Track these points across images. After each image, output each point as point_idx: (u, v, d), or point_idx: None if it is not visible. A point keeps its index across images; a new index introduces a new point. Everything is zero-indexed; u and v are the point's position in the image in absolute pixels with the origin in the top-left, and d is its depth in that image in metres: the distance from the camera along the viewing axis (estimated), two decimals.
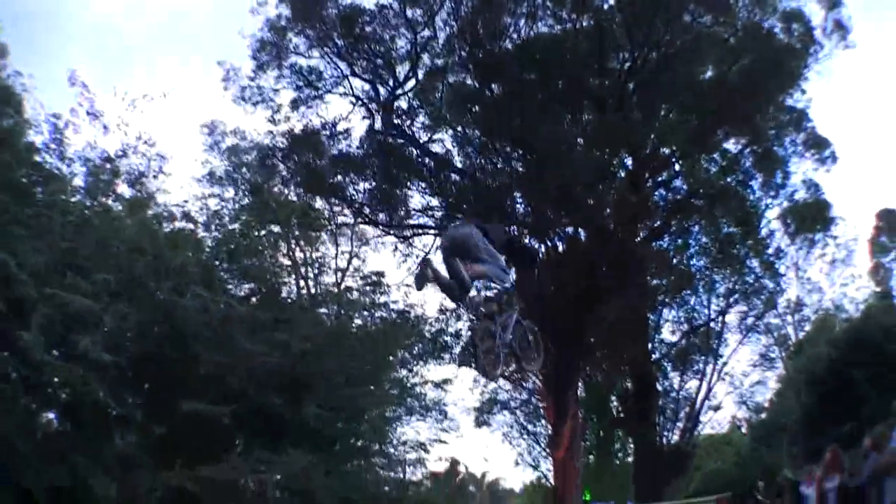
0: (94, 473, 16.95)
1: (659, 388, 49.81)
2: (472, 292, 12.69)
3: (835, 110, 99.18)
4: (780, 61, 38.57)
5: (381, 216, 43.92)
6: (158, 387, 21.48)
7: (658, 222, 42.18)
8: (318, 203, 43.36)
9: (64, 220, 20.17)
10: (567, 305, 39.34)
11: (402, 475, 41.45)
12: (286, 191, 42.17)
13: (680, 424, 50.95)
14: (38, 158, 22.34)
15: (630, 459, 58.29)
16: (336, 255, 50.26)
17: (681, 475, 49.90)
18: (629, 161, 41.81)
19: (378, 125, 41.45)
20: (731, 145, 41.90)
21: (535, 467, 61.06)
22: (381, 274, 45.65)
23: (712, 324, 49.76)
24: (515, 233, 39.92)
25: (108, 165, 25.38)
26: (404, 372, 44.58)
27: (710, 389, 50.38)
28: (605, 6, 39.94)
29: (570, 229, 42.41)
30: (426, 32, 40.30)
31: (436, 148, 42.49)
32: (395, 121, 41.56)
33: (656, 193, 42.40)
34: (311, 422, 22.61)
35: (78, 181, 24.76)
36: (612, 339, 43.83)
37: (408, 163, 42.13)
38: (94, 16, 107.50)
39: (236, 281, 30.06)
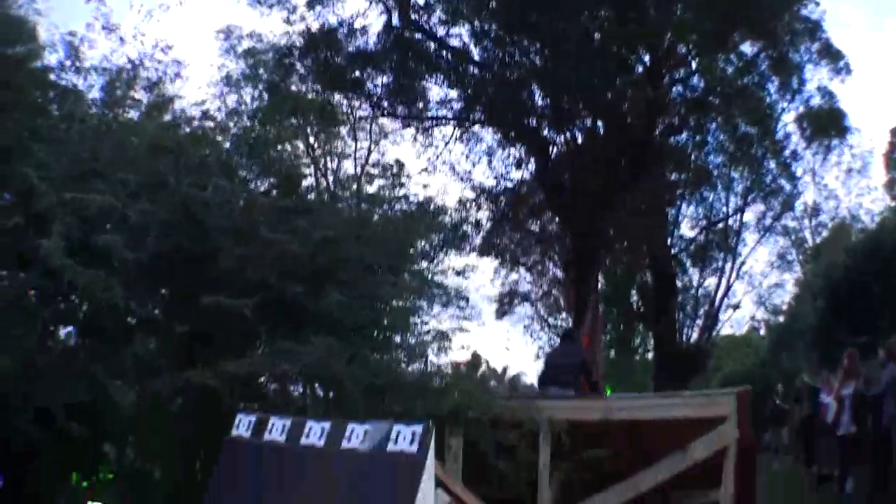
0: (112, 382, 17.12)
1: (678, 284, 50.12)
2: None
3: (849, 26, 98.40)
4: None
5: (400, 109, 44.00)
6: (179, 284, 21.60)
7: (675, 119, 42.12)
8: (337, 98, 43.43)
9: (83, 127, 20.21)
10: (586, 197, 39.50)
11: (424, 364, 41.66)
12: (304, 88, 42.19)
13: (699, 322, 51.33)
14: (52, 77, 22.39)
15: (650, 356, 58.76)
16: (355, 149, 50.45)
17: (700, 374, 50.30)
18: (646, 57, 41.64)
19: (395, 20, 41.34)
20: (746, 48, 41.65)
21: None
22: (401, 164, 45.85)
23: (730, 221, 49.98)
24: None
25: (125, 74, 25.43)
26: (425, 264, 44.82)
27: (728, 287, 50.78)
28: None
29: (588, 122, 42.44)
30: None
31: (453, 42, 42.38)
32: (413, 16, 41.41)
33: (673, 90, 42.23)
34: (333, 311, 22.74)
35: (94, 94, 24.84)
36: (632, 231, 44.04)
37: (426, 56, 42.06)
38: None
39: (256, 174, 30.18)
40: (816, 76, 43.53)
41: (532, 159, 43.71)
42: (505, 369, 64.04)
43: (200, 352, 18.57)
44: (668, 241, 49.32)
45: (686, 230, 51.87)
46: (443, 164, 46.82)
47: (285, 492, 11.18)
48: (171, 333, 18.50)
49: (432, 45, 42.19)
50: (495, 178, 46.59)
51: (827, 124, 45.10)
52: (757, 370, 52.27)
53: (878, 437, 21.62)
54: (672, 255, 49.82)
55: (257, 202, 21.73)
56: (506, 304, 56.78)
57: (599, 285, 46.14)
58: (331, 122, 44.30)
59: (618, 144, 39.22)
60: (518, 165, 45.23)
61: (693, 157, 44.83)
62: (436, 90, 43.22)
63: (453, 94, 43.38)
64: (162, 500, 17.76)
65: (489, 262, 51.66)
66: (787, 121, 45.48)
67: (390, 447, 10.40)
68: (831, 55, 42.62)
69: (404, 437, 10.36)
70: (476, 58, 42.22)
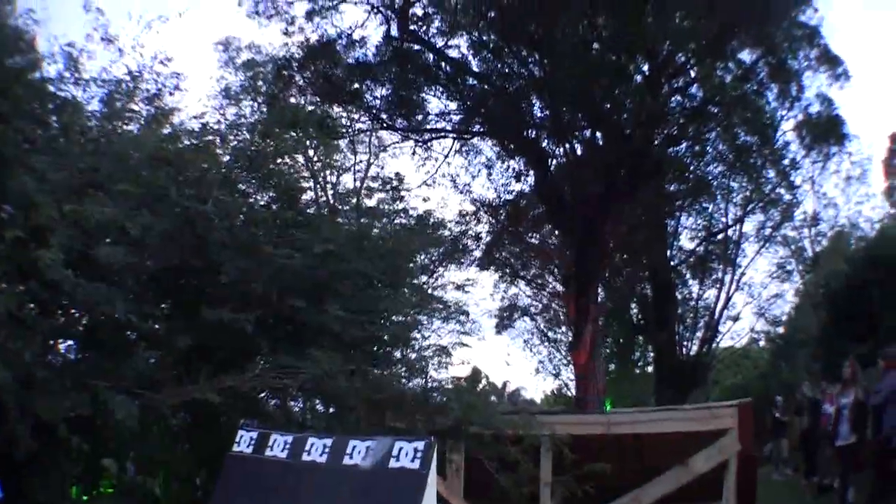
0: (113, 396, 17.09)
1: (678, 296, 50.15)
2: None
3: (847, 31, 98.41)
4: None
5: (399, 121, 44.07)
6: (181, 298, 21.59)
7: (675, 129, 42.15)
8: (336, 111, 43.47)
9: (83, 138, 20.19)
10: (586, 209, 39.53)
11: (424, 380, 41.57)
12: (303, 101, 42.25)
13: (699, 335, 51.35)
14: (52, 88, 22.35)
15: (650, 369, 58.80)
16: (354, 162, 50.55)
17: (700, 387, 50.31)
18: (645, 67, 41.66)
19: (394, 31, 41.41)
20: (745, 56, 41.80)
21: (556, 375, 61.60)
22: (400, 177, 45.90)
23: (730, 231, 50.01)
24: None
25: (124, 85, 25.40)
26: (425, 278, 44.90)
27: (728, 299, 50.80)
28: None
29: (587, 133, 42.49)
30: None
31: (452, 53, 42.47)
32: (411, 27, 41.47)
33: (673, 99, 42.28)
34: (333, 325, 22.75)
35: (94, 105, 24.80)
36: (631, 243, 44.09)
37: (425, 68, 42.17)
38: None
39: (256, 187, 30.16)
40: (815, 83, 43.72)
41: (531, 171, 43.79)
42: (505, 384, 63.94)
43: (201, 366, 18.56)
44: (668, 252, 49.37)
45: (685, 241, 52.02)
46: (442, 177, 46.95)
47: None
48: (171, 348, 18.47)
49: (431, 56, 42.30)
50: (495, 190, 46.72)
51: (826, 132, 45.20)
52: (757, 382, 52.37)
53: (879, 446, 21.60)
54: (672, 267, 49.86)
55: (258, 216, 21.73)
56: (506, 318, 56.88)
57: (599, 298, 46.13)
58: (330, 135, 44.34)
59: (617, 155, 39.23)
60: (517, 178, 45.44)
61: (692, 167, 44.81)
62: (435, 102, 43.34)
63: (452, 106, 43.50)
64: None
65: (489, 276, 51.78)
66: (787, 129, 45.55)
67: (392, 463, 10.35)
68: (830, 61, 42.77)
69: (406, 454, 10.31)
70: (475, 69, 42.31)
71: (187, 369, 18.18)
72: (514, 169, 45.39)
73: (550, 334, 59.63)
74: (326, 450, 11.09)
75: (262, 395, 19.23)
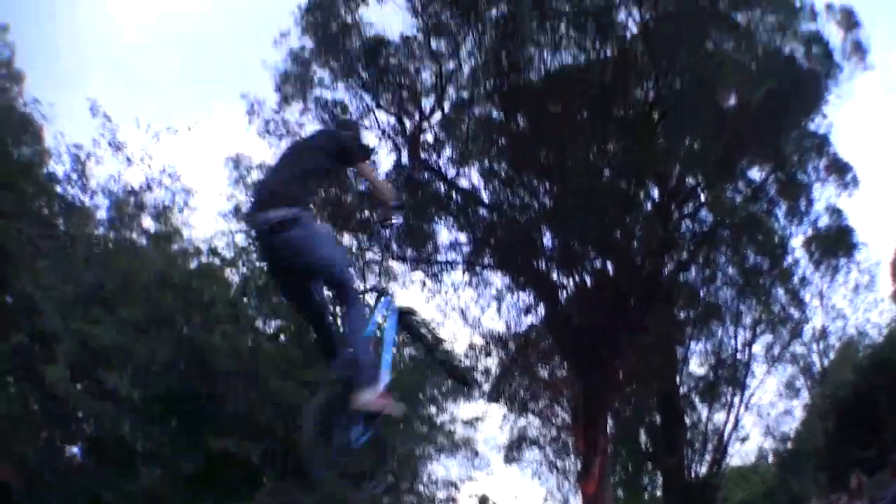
0: None
1: (687, 420, 49.56)
2: None
3: (854, 131, 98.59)
4: (801, 86, 38.49)
5: (409, 252, 43.78)
6: (186, 423, 21.29)
7: (684, 254, 41.94)
8: (345, 239, 43.28)
9: (89, 252, 19.99)
10: (595, 340, 39.15)
11: None
12: None
13: (708, 457, 50.70)
14: (59, 189, 22.20)
15: (659, 494, 58.07)
16: (364, 291, 50.25)
17: None
18: (655, 192, 41.58)
19: (404, 159, 41.35)
20: (754, 173, 41.72)
21: (565, 503, 60.76)
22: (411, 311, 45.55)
23: (739, 355, 49.55)
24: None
25: (133, 199, 25.23)
26: (433, 409, 44.39)
27: (737, 421, 50.14)
28: (629, 35, 39.87)
29: (597, 262, 42.25)
30: (451, 64, 40.23)
31: (462, 182, 42.35)
32: (422, 155, 41.42)
33: (682, 225, 42.11)
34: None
35: (101, 213, 24.69)
36: (641, 373, 43.65)
37: (435, 198, 42.02)
38: (117, 46, 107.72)
39: (264, 318, 29.87)
40: (824, 195, 43.43)
41: (541, 304, 43.50)
42: None
43: (205, 491, 18.17)
44: (678, 378, 48.95)
45: (695, 367, 51.57)
46: (452, 311, 46.53)
47: None
48: (177, 468, 18.12)
49: (442, 186, 42.14)
50: (505, 323, 46.31)
51: (835, 244, 45.03)
52: (764, 499, 51.88)
53: None
54: (681, 395, 49.42)
55: (265, 352, 21.47)
56: (514, 449, 56.29)
57: (608, 427, 45.58)
58: None
59: (627, 285, 38.98)
60: (527, 311, 44.98)
61: (702, 292, 44.54)
62: (445, 233, 43.09)
63: (462, 237, 43.26)
64: None
65: (498, 408, 51.27)
66: (796, 245, 45.31)
67: None
68: (839, 170, 42.60)
69: None
70: (485, 199, 42.17)
71: (192, 492, 17.80)
72: (524, 301, 45.13)
73: (559, 463, 59.05)
74: None
75: None
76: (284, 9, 40.61)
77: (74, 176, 23.29)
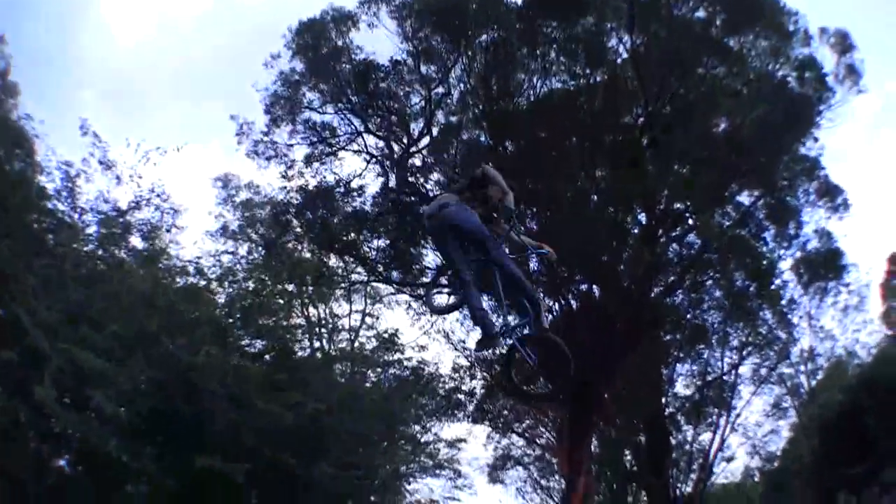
0: None
1: (672, 441, 49.62)
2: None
3: (846, 151, 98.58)
4: (793, 111, 38.60)
5: (395, 274, 43.87)
6: (172, 442, 21.42)
7: (672, 278, 42.04)
8: (332, 260, 43.38)
9: (76, 272, 20.13)
10: (581, 362, 39.21)
11: None
12: (300, 247, 42.22)
13: (693, 476, 50.78)
14: (49, 205, 22.35)
15: None
16: (350, 312, 50.35)
17: None
18: (643, 217, 41.70)
19: (392, 183, 41.46)
20: (744, 197, 41.80)
21: None
22: (395, 332, 45.58)
23: (725, 377, 49.63)
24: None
25: (121, 219, 25.35)
26: (417, 428, 44.41)
27: (723, 441, 50.25)
28: (619, 60, 40.04)
29: (584, 286, 42.33)
30: (440, 89, 40.41)
31: None
32: (410, 178, 41.54)
33: (670, 249, 42.23)
34: (324, 481, 22.56)
35: (90, 230, 24.80)
36: (627, 394, 43.72)
37: (422, 221, 42.11)
38: (108, 63, 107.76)
39: (250, 338, 29.97)
40: (814, 217, 43.42)
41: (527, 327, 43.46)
42: None
43: None
44: (663, 400, 48.97)
45: (681, 388, 51.56)
46: (437, 333, 46.53)
47: None
48: (162, 485, 18.28)
49: None
50: None
51: (824, 266, 45.11)
52: None
53: None
54: (667, 415, 49.43)
55: (250, 374, 21.67)
56: (498, 469, 56.36)
57: (593, 447, 45.65)
58: (326, 286, 44.24)
59: (614, 308, 39.05)
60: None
61: (689, 315, 44.58)
62: (431, 256, 43.15)
63: None
64: None
65: (482, 429, 51.31)
66: (784, 268, 45.32)
67: None
68: (829, 192, 42.59)
69: None
70: None
71: None
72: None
73: (543, 482, 59.14)
74: None
75: None
76: (276, 31, 40.73)
77: (64, 193, 23.45)
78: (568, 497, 41.74)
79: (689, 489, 50.30)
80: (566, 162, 38.75)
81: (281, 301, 33.54)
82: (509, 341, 14.25)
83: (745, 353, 48.70)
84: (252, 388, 22.76)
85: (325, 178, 41.84)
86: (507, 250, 13.89)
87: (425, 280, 43.45)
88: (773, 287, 43.94)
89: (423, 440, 45.52)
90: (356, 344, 47.48)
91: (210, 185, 53.00)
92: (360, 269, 44.80)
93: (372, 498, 32.55)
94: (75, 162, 24.74)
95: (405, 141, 41.61)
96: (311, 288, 43.63)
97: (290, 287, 38.18)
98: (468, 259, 13.19)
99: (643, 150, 39.76)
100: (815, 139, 41.77)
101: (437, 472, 46.91)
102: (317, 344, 45.76)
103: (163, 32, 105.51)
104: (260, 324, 29.26)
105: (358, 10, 40.04)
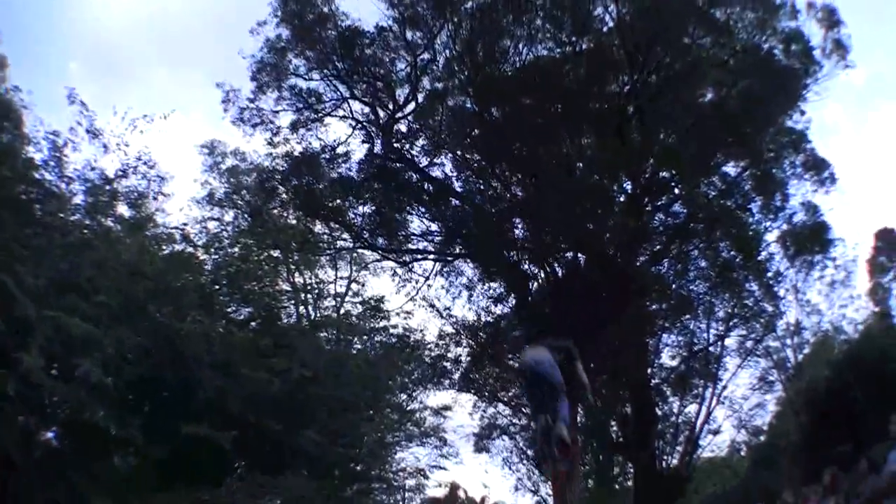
0: (94, 492, 16.96)
1: (658, 412, 49.65)
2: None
3: (833, 127, 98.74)
4: (780, 83, 38.61)
5: (381, 241, 43.85)
6: (159, 409, 21.42)
7: (657, 247, 42.04)
8: (318, 227, 43.31)
9: (64, 240, 20.07)
10: (567, 331, 39.20)
11: (403, 500, 41.22)
12: (285, 214, 42.18)
13: (679, 448, 50.81)
14: (37, 175, 22.28)
15: (629, 484, 58.22)
16: (335, 279, 50.33)
17: (680, 499, 49.74)
18: (628, 185, 41.69)
19: (378, 149, 41.41)
20: (730, 168, 41.83)
21: (535, 492, 60.77)
22: (380, 299, 45.50)
23: (711, 348, 49.61)
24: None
25: (108, 186, 25.25)
26: (403, 397, 44.44)
27: (709, 413, 50.21)
28: (605, 29, 39.99)
29: (569, 254, 42.30)
30: (426, 55, 40.34)
31: (435, 172, 42.40)
32: (395, 144, 41.51)
33: (655, 218, 42.25)
34: (310, 448, 22.57)
35: (77, 200, 24.74)
36: (612, 365, 43.73)
37: (407, 187, 42.07)
38: (94, 32, 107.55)
39: (236, 305, 29.91)
40: (800, 190, 43.32)
41: (512, 294, 43.51)
42: (484, 499, 63.36)
43: (179, 475, 18.31)
44: (649, 371, 48.94)
45: (667, 359, 51.51)
46: (423, 300, 46.51)
47: None
48: (149, 454, 18.28)
49: (414, 175, 42.19)
50: (475, 313, 46.24)
51: (810, 239, 45.07)
52: (737, 493, 51.87)
53: None
54: (652, 386, 49.39)
55: (236, 340, 21.65)
56: (485, 438, 56.36)
57: (579, 418, 45.71)
58: (311, 252, 44.17)
59: (599, 277, 39.03)
60: (498, 301, 44.91)
61: (675, 285, 44.56)
62: (417, 223, 43.10)
63: (434, 227, 43.26)
64: None
65: (468, 398, 51.29)
66: (770, 240, 45.26)
67: None
68: (816, 166, 42.49)
69: None
70: (458, 189, 42.23)
71: (164, 478, 17.94)
72: (494, 291, 45.08)
73: (530, 452, 59.10)
74: None
75: None
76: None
77: (52, 163, 23.39)
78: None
79: (675, 461, 50.39)
80: (551, 129, 38.72)
81: (266, 267, 33.49)
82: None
83: (730, 324, 48.64)
84: (238, 355, 22.75)
85: (310, 144, 41.89)
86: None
87: (410, 246, 43.49)
88: (759, 259, 43.97)
89: (408, 408, 45.57)
90: (342, 311, 47.48)
91: (195, 152, 52.96)
92: (345, 235, 44.69)
93: (358, 466, 32.65)
94: (63, 132, 24.70)
95: (391, 107, 41.56)
96: (296, 254, 43.54)
97: (276, 253, 38.18)
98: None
99: (629, 118, 39.77)
100: (802, 112, 41.86)
101: (423, 440, 46.98)
102: (302, 310, 45.78)
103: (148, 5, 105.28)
104: (245, 290, 29.22)
105: None
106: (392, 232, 42.81)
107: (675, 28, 38.06)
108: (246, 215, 43.91)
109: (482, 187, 42.28)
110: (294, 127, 41.36)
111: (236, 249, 31.57)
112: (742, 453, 62.04)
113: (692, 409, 50.45)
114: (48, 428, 20.61)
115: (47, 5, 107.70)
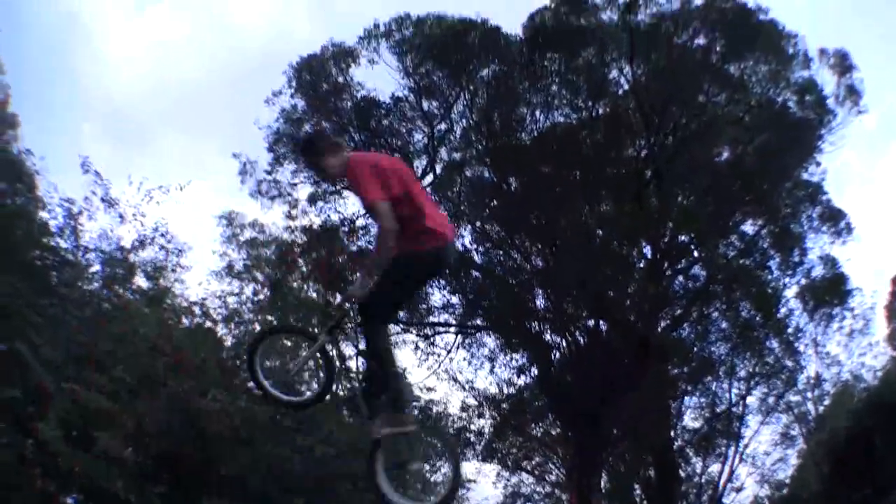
0: None
1: (682, 473, 49.34)
2: None
3: (846, 174, 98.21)
4: (794, 136, 38.72)
5: (402, 314, 43.75)
6: (179, 484, 21.24)
7: (678, 311, 41.88)
8: (338, 300, 43.30)
9: (81, 313, 19.94)
10: (589, 398, 38.97)
11: None
12: (305, 287, 42.13)
13: None
14: (51, 242, 22.21)
15: None
16: (357, 352, 50.19)
17: None
18: (648, 250, 41.60)
19: None
20: (748, 227, 41.73)
21: None
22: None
23: (734, 408, 49.39)
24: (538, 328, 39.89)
25: (125, 257, 25.18)
26: (427, 468, 44.12)
27: (732, 472, 49.95)
28: (620, 92, 40.02)
29: (590, 322, 42.15)
30: (442, 125, 40.37)
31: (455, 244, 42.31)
32: None
33: (675, 282, 42.12)
34: None
35: (93, 269, 24.64)
36: (635, 429, 43.46)
37: None
38: (108, 94, 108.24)
39: None
40: (818, 243, 43.28)
41: (534, 365, 43.35)
42: None
43: None
44: (672, 433, 48.71)
45: (689, 420, 51.32)
46: (445, 373, 46.30)
47: None
48: None
49: None
50: (497, 385, 46.06)
51: (829, 293, 44.90)
52: None
53: None
54: (675, 448, 49.15)
55: (257, 417, 21.48)
56: None
57: (603, 482, 45.43)
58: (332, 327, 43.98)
59: (621, 344, 38.88)
60: (520, 372, 44.72)
61: (696, 348, 44.36)
62: (437, 295, 42.96)
63: (455, 299, 43.12)
64: None
65: (491, 467, 51.01)
66: (790, 295, 45.11)
67: None
68: (832, 217, 42.39)
69: None
70: (477, 261, 42.12)
71: None
72: (516, 362, 44.90)
73: None
74: None
75: None
76: (277, 68, 40.83)
77: (67, 231, 23.32)
78: None
79: None
80: (570, 197, 38.67)
81: (288, 343, 33.33)
82: None
83: (752, 383, 48.47)
84: (259, 431, 22.60)
85: (329, 216, 41.85)
86: None
87: (432, 319, 43.33)
88: (778, 316, 43.77)
89: (432, 480, 45.28)
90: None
91: (213, 222, 53.02)
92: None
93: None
94: (76, 198, 24.66)
95: None
96: (317, 328, 43.39)
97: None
98: None
99: (646, 182, 39.72)
100: (818, 163, 41.87)
101: None
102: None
103: (160, 64, 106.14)
104: (267, 366, 29.07)
105: (358, 46, 40.18)
106: (413, 305, 42.67)
107: (690, 87, 38.18)
108: (265, 289, 43.90)
109: (502, 258, 42.18)
110: (312, 200, 41.35)
111: (257, 325, 31.43)
112: None
113: (715, 468, 50.20)
114: (69, 493, 20.45)
115: (62, 67, 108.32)
